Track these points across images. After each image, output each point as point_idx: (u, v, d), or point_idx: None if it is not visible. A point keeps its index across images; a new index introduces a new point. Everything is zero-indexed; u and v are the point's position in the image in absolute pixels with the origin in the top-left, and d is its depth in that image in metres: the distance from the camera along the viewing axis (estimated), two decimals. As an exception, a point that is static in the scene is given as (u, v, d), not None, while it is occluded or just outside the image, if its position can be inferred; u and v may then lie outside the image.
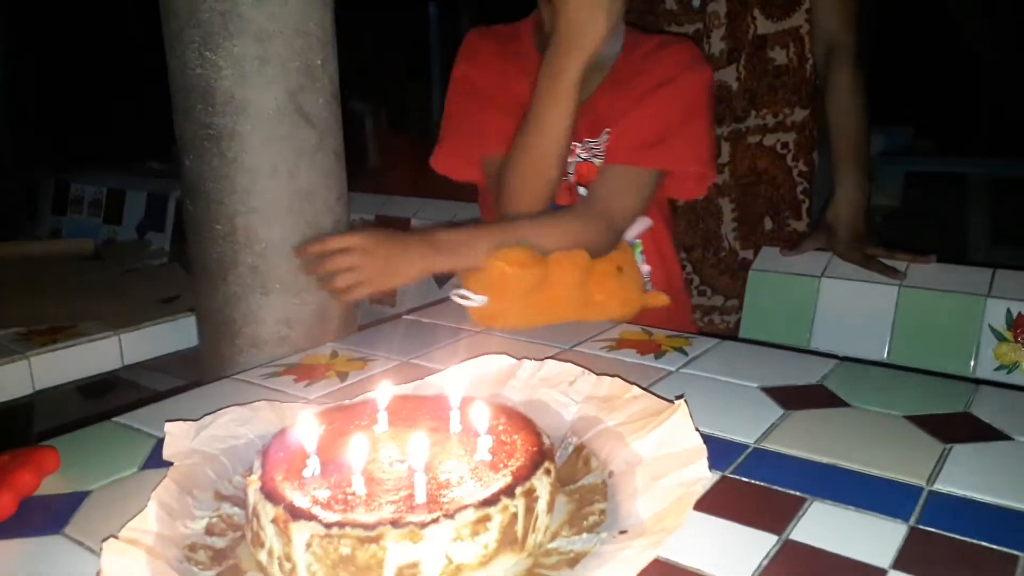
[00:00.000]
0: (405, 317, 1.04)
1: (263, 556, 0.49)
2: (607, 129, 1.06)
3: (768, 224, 1.31)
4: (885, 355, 1.19)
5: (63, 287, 1.46)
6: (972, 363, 1.12)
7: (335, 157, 0.96)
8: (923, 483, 0.57)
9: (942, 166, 3.07)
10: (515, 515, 0.48)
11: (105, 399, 1.77)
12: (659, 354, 0.85)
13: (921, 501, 0.55)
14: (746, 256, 1.31)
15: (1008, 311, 1.10)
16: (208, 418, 0.65)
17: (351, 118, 1.04)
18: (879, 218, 2.83)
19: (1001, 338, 1.11)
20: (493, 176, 1.05)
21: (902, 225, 2.89)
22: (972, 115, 4.20)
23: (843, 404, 0.72)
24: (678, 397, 0.61)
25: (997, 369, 1.11)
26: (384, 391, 0.60)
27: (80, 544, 0.54)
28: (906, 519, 0.53)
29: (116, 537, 0.48)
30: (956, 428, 0.66)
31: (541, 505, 0.50)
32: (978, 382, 1.09)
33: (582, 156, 1.09)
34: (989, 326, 1.11)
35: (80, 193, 2.36)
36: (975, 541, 0.50)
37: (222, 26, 0.86)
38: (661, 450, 0.56)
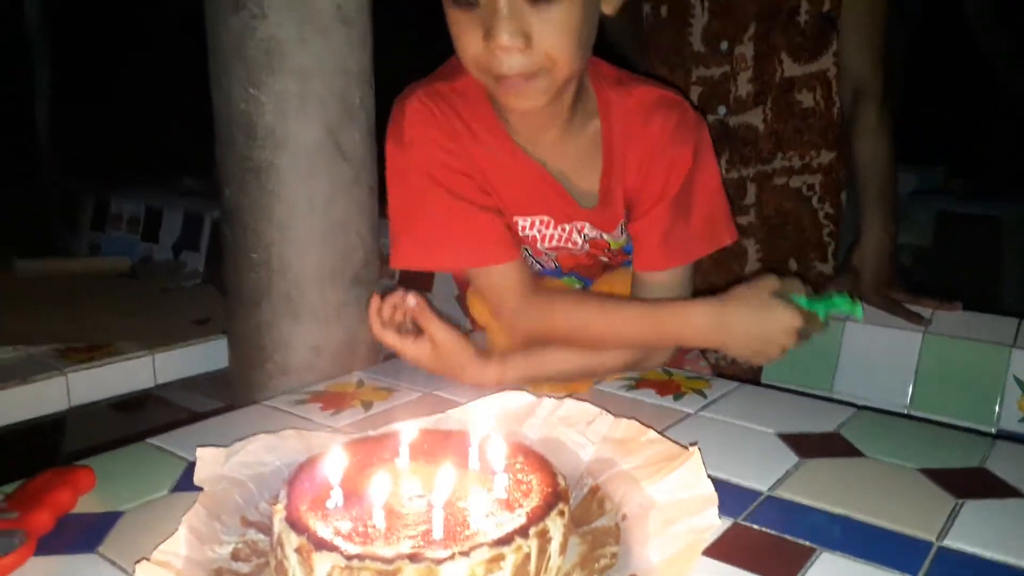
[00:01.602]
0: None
1: (286, 584, 0.51)
2: (622, 221, 0.95)
3: (793, 266, 1.31)
4: (908, 402, 1.19)
5: (101, 305, 1.50)
6: (996, 413, 1.12)
7: (369, 191, 0.99)
8: (933, 538, 0.58)
9: (975, 207, 3.05)
10: (528, 555, 0.49)
11: (135, 414, 1.80)
12: (678, 395, 0.86)
13: (930, 556, 0.56)
14: None
15: (1034, 362, 1.10)
16: (237, 445, 0.67)
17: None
18: (910, 258, 2.82)
19: (1026, 390, 1.10)
20: (498, 286, 0.91)
21: (933, 266, 2.87)
22: (1007, 156, 4.16)
23: (858, 454, 0.73)
24: (692, 443, 0.63)
25: (1021, 420, 1.11)
26: (407, 425, 0.62)
27: (113, 563, 0.56)
28: (914, 574, 0.54)
29: (148, 559, 0.51)
30: (970, 483, 0.66)
31: (554, 546, 0.52)
32: (1000, 434, 1.10)
33: (591, 235, 0.97)
34: (1014, 376, 1.11)
35: (119, 210, 2.42)
36: (982, 600, 0.51)
37: (266, 63, 0.90)
38: (673, 496, 0.57)
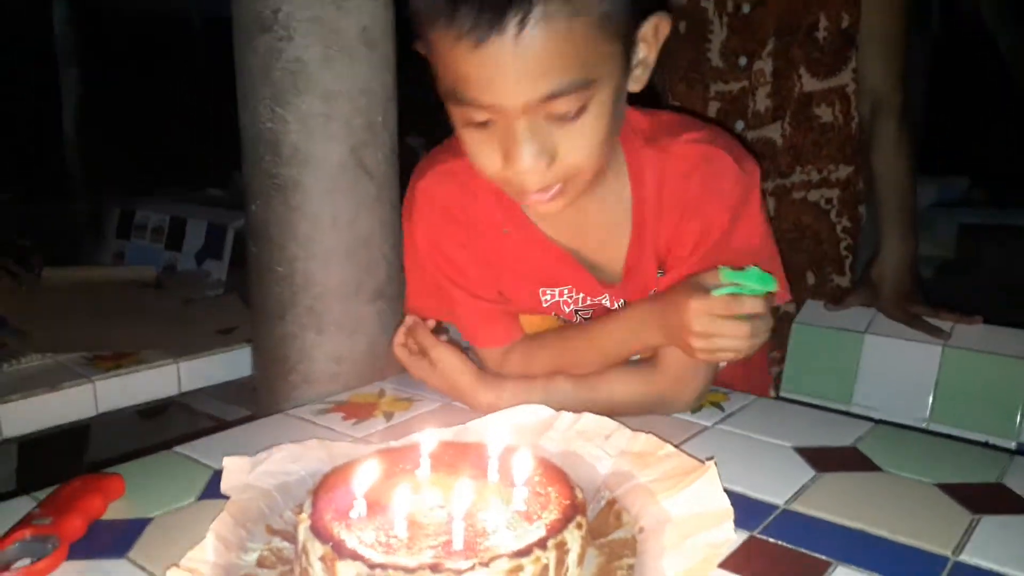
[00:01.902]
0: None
1: (311, 591, 0.52)
2: (653, 290, 0.90)
3: (811, 279, 1.32)
4: (927, 415, 1.19)
5: (127, 314, 1.53)
6: (1017, 426, 1.12)
7: (391, 207, 1.01)
8: (949, 553, 0.59)
9: (997, 218, 3.03)
10: (546, 566, 0.51)
11: (159, 420, 1.83)
12: (696, 410, 0.87)
13: (946, 571, 0.56)
14: (787, 310, 1.33)
15: (1054, 376, 1.09)
16: (263, 454, 0.69)
17: (406, 153, 1.08)
18: (932, 270, 2.80)
19: (1046, 403, 1.10)
20: (482, 356, 0.92)
21: (955, 277, 2.85)
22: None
23: (875, 468, 0.73)
24: (709, 458, 0.64)
25: (1041, 434, 1.11)
26: (428, 437, 0.64)
27: (142, 568, 0.58)
28: (929, 589, 0.54)
29: (177, 566, 0.53)
30: (987, 499, 0.67)
31: (572, 558, 0.53)
32: (1021, 447, 1.09)
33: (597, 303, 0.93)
34: (1034, 391, 1.11)
35: (144, 219, 2.46)
36: (996, 615, 0.51)
37: (292, 84, 0.92)
38: (690, 509, 0.58)
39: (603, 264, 0.89)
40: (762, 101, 1.26)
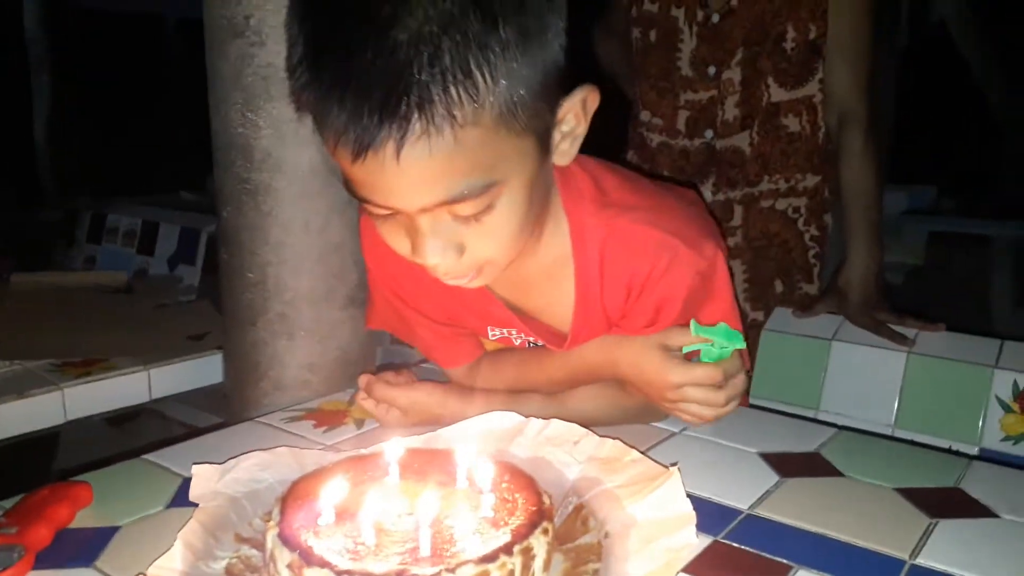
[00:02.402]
0: (423, 365, 1.08)
1: (278, 598, 0.52)
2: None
3: (779, 287, 1.34)
4: (893, 420, 1.21)
5: (97, 320, 1.52)
6: (979, 432, 1.14)
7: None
8: (906, 556, 0.60)
9: (965, 226, 3.09)
10: (512, 571, 0.51)
11: (129, 428, 1.82)
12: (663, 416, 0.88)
13: (902, 575, 0.58)
14: (756, 317, 1.35)
15: (1015, 382, 1.12)
16: (232, 462, 0.69)
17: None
18: (901, 277, 2.85)
19: (1008, 409, 1.12)
20: (454, 376, 0.92)
21: (924, 284, 2.90)
22: (997, 176, 4.21)
23: (838, 474, 0.74)
24: (673, 463, 0.65)
25: (1004, 440, 1.13)
26: (396, 444, 0.64)
27: (109, 577, 0.58)
28: (886, 592, 0.56)
29: (144, 574, 0.53)
30: (945, 503, 0.68)
31: (537, 563, 0.53)
32: (983, 452, 1.12)
33: None
34: (996, 396, 1.13)
35: (116, 223, 2.44)
36: (950, 617, 0.53)
37: (263, 89, 0.92)
38: (654, 514, 0.59)
39: (550, 322, 0.84)
40: (731, 110, 1.28)
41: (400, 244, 0.67)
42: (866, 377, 1.24)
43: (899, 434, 1.18)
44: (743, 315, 1.33)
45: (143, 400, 1.23)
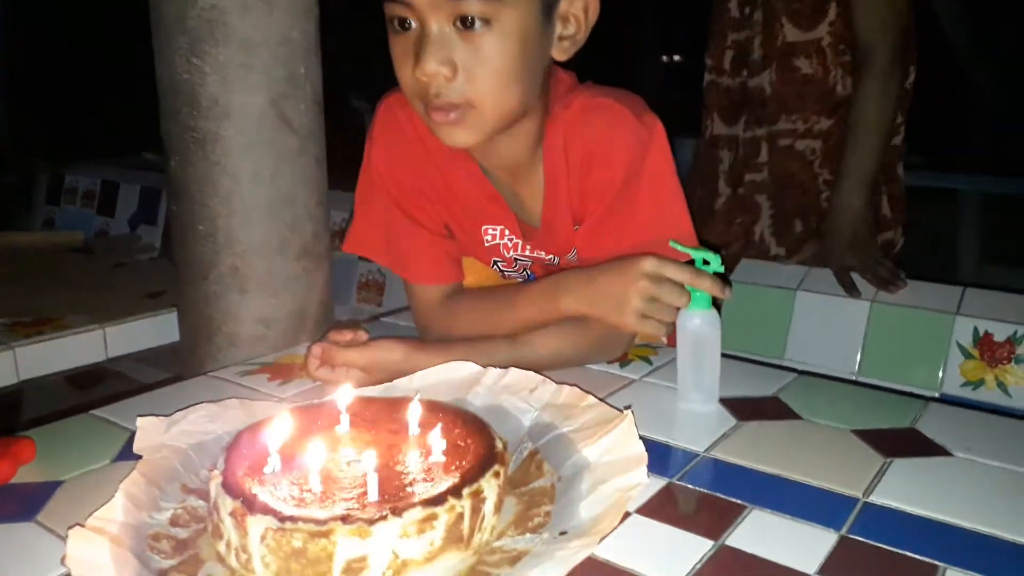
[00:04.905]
0: (383, 320, 1.06)
1: (221, 547, 0.51)
2: (575, 249, 0.91)
3: (798, 226, 1.35)
4: (856, 368, 1.22)
5: (52, 279, 1.48)
6: (939, 379, 1.15)
7: (316, 163, 0.99)
8: (859, 495, 0.60)
9: (933, 181, 3.10)
10: (461, 515, 0.50)
11: (93, 390, 1.79)
12: (624, 363, 0.87)
13: (855, 512, 0.58)
14: (778, 252, 1.36)
15: (975, 329, 1.13)
16: (179, 414, 0.67)
17: (351, 115, 1.05)
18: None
19: (968, 355, 1.14)
20: (417, 299, 0.94)
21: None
22: (965, 131, 4.23)
23: (795, 417, 0.74)
24: (627, 407, 0.64)
25: (963, 385, 1.14)
26: (347, 392, 0.63)
27: (50, 531, 0.56)
28: (838, 528, 0.55)
29: (82, 525, 0.51)
30: (899, 443, 0.69)
31: (488, 506, 0.53)
32: (944, 398, 1.13)
33: (534, 256, 0.96)
34: (957, 343, 1.14)
35: (74, 184, 2.38)
36: (900, 551, 0.53)
37: (208, 33, 0.88)
38: (607, 457, 0.58)
39: (526, 214, 0.91)
40: (757, 50, 1.31)
41: (407, 65, 0.75)
42: (830, 326, 1.25)
43: (862, 381, 1.20)
44: (767, 249, 1.35)
45: (99, 359, 1.21)
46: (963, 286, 1.19)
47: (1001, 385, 1.10)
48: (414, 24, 0.73)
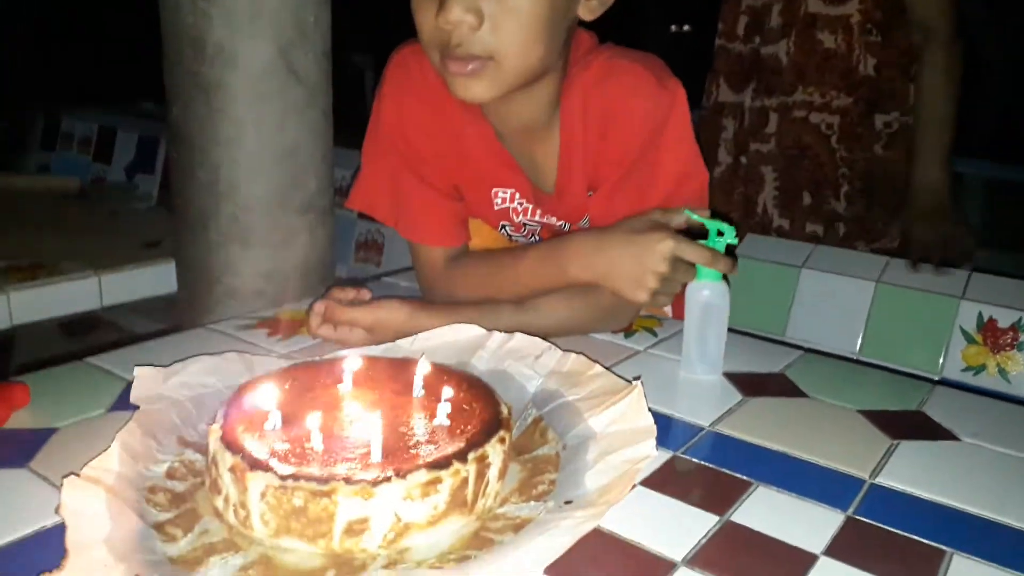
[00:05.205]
0: (385, 279, 1.05)
1: (219, 502, 0.50)
2: (586, 216, 0.90)
3: (807, 199, 1.34)
4: (857, 348, 1.21)
5: (47, 224, 1.46)
6: (940, 362, 1.14)
7: (323, 116, 0.97)
8: (866, 476, 0.59)
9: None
10: (465, 479, 0.49)
11: (86, 338, 1.78)
12: (629, 333, 0.86)
13: (862, 493, 0.57)
14: (782, 224, 1.35)
15: (980, 314, 1.12)
16: (178, 365, 0.66)
17: (352, 71, 1.03)
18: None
19: (971, 340, 1.13)
20: (422, 261, 0.92)
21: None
22: (971, 115, 4.20)
23: (801, 394, 0.74)
24: (636, 378, 0.63)
25: (964, 370, 1.14)
26: (354, 352, 0.62)
27: (44, 479, 0.55)
28: (844, 509, 0.55)
29: (77, 475, 0.50)
30: (906, 425, 0.68)
31: (492, 472, 0.52)
32: (943, 382, 1.13)
33: (543, 221, 0.94)
34: (960, 328, 1.13)
35: (71, 129, 2.34)
36: (907, 534, 0.52)
37: (216, -25, 0.86)
38: (614, 427, 0.57)
39: (539, 177, 0.89)
40: (775, 17, 1.29)
41: (429, 17, 0.72)
42: (833, 305, 1.24)
43: (863, 361, 1.19)
44: (769, 221, 1.34)
45: (93, 307, 1.19)
46: (970, 271, 1.19)
47: (1002, 371, 1.10)
48: None
